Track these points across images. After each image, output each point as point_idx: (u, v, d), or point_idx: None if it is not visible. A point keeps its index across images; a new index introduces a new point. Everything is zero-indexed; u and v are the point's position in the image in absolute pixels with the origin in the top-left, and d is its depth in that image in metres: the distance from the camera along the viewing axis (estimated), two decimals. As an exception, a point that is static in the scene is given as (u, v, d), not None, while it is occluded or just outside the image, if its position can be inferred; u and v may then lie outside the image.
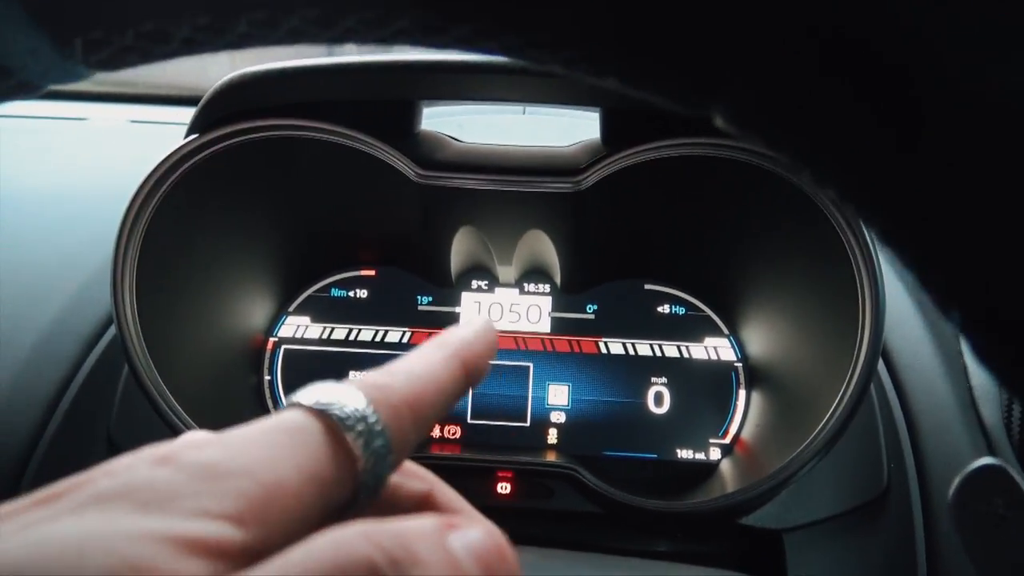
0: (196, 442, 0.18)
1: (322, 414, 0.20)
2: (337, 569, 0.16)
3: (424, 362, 0.23)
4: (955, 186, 0.16)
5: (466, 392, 0.25)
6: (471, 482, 0.58)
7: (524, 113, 0.92)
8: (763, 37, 0.16)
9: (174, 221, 0.55)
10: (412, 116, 0.58)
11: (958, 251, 0.16)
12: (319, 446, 0.19)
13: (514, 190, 0.56)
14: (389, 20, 0.18)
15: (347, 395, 0.21)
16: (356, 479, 0.20)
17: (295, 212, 0.64)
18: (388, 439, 0.20)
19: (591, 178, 0.55)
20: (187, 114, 0.55)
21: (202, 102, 0.53)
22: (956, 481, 0.26)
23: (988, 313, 0.16)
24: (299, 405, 0.20)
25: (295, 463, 0.18)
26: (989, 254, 0.16)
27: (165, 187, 0.53)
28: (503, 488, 0.58)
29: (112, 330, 0.63)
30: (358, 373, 0.67)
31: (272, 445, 0.19)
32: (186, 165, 0.53)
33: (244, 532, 0.17)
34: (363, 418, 0.20)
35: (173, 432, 0.55)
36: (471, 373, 0.25)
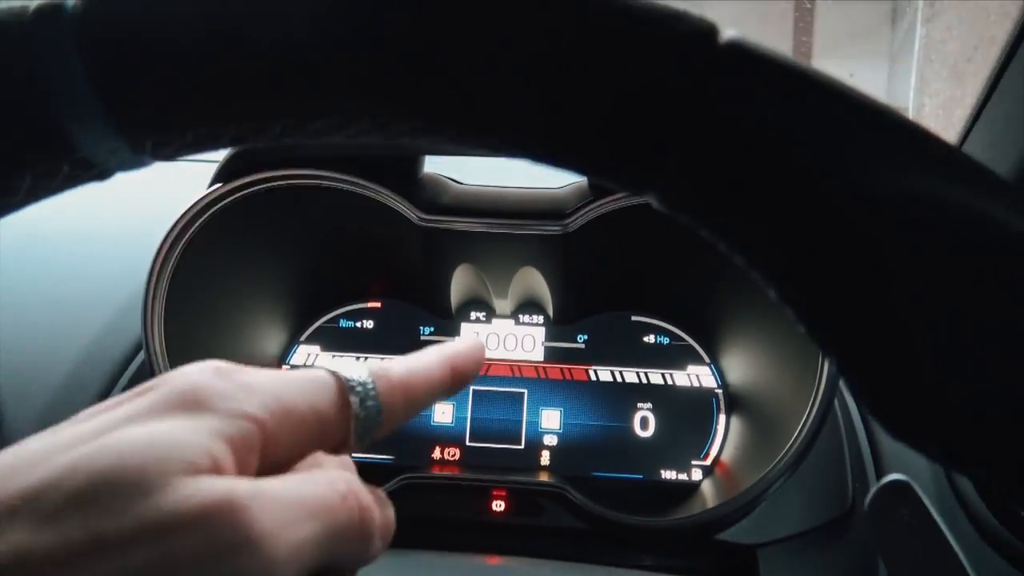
0: (245, 368, 0.25)
1: (334, 375, 0.26)
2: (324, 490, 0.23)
3: (421, 361, 0.30)
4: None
5: (453, 392, 0.30)
6: (468, 499, 0.63)
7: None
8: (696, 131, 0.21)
9: (199, 259, 0.61)
10: (415, 165, 0.64)
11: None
12: (327, 394, 0.26)
13: (508, 232, 0.61)
14: (350, 124, 0.23)
15: (357, 369, 0.27)
16: (349, 427, 0.26)
17: (307, 252, 0.69)
18: (379, 404, 0.27)
19: (577, 221, 0.61)
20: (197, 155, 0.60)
21: (226, 155, 0.59)
22: (869, 495, 0.31)
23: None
24: (321, 367, 0.27)
25: (307, 399, 0.25)
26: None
27: (192, 229, 0.58)
28: (498, 506, 0.63)
29: (138, 360, 0.68)
30: (364, 399, 0.72)
31: (295, 383, 0.25)
32: (211, 211, 0.58)
33: (263, 436, 0.23)
34: (363, 383, 0.26)
35: None
36: (458, 377, 0.30)
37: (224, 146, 0.27)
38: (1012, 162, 0.54)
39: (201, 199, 0.58)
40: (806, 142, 0.20)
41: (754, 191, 0.20)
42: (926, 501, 0.31)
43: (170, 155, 0.27)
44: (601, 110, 0.21)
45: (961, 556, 0.31)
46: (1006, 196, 0.19)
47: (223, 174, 0.59)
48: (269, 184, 0.59)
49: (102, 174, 0.27)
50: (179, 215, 0.58)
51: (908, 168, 0.19)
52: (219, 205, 0.59)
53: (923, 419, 0.21)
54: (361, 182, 0.59)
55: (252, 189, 0.58)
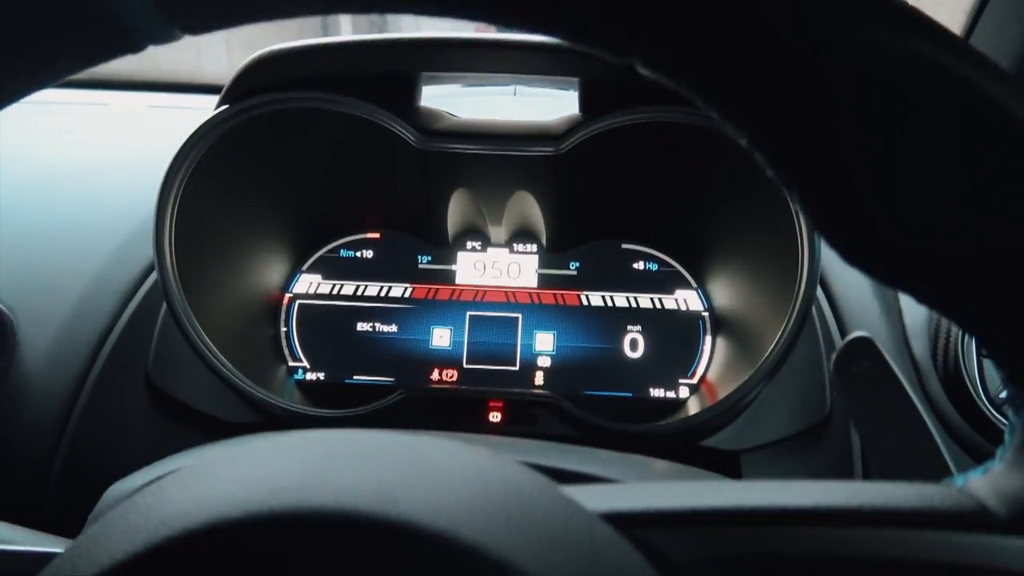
0: None
1: None
2: None
3: None
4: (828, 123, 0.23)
5: None
6: (465, 412, 0.67)
7: (515, 94, 1.00)
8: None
9: (206, 184, 0.63)
10: (413, 90, 0.66)
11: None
12: None
13: (502, 154, 0.64)
14: None
15: None
16: None
17: (309, 179, 0.71)
18: None
19: (569, 143, 0.63)
20: (197, 100, 0.62)
21: (232, 77, 0.61)
22: (835, 353, 0.35)
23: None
24: None
25: None
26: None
27: (198, 152, 0.61)
28: (494, 416, 0.66)
29: (146, 285, 0.70)
30: (365, 325, 0.75)
31: None
32: (217, 133, 0.61)
33: None
34: None
35: (210, 371, 0.62)
36: None
37: (242, 22, 0.29)
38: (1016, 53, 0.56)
39: (207, 121, 0.61)
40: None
41: (722, 47, 0.23)
42: (887, 356, 0.34)
43: (197, 28, 0.29)
44: None
45: (920, 406, 0.34)
46: (941, 41, 0.22)
47: (228, 97, 0.61)
48: (273, 106, 0.61)
49: (135, 45, 0.29)
50: (187, 137, 0.60)
51: (855, 18, 0.22)
52: (224, 127, 0.61)
53: (871, 242, 0.24)
54: (361, 103, 0.61)
55: (256, 112, 0.61)
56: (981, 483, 0.24)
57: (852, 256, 0.25)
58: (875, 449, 0.33)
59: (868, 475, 0.61)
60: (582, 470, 0.37)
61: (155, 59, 1.42)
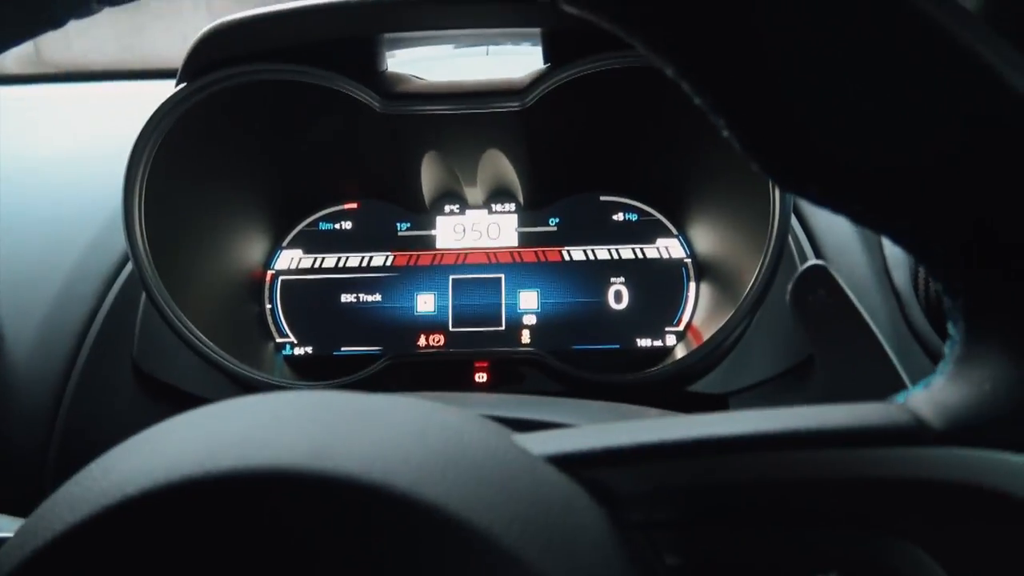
0: None
1: None
2: None
3: None
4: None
5: None
6: (452, 374, 0.67)
7: (487, 55, 0.99)
8: None
9: (172, 166, 0.63)
10: (375, 54, 0.65)
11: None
12: None
13: (468, 112, 0.63)
14: None
15: None
16: None
17: (278, 153, 0.71)
18: None
19: (534, 96, 0.62)
20: (167, 87, 0.61)
21: (187, 52, 0.60)
22: (791, 283, 0.34)
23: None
24: None
25: None
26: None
27: (159, 134, 0.60)
28: (480, 377, 0.66)
29: (127, 270, 0.70)
30: (349, 296, 0.75)
31: None
32: (176, 113, 0.60)
33: None
34: None
35: (195, 353, 0.63)
36: None
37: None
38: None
39: (165, 102, 0.60)
40: None
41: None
42: (841, 282, 0.34)
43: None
44: None
45: (874, 328, 0.34)
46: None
47: (185, 74, 0.61)
48: (231, 80, 0.60)
49: (52, 20, 0.29)
50: (146, 120, 0.60)
51: None
52: (184, 107, 0.60)
53: (802, 165, 0.24)
54: (322, 72, 0.61)
55: (214, 88, 0.60)
56: (920, 398, 0.24)
57: (785, 180, 0.25)
58: (833, 374, 0.33)
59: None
60: (536, 418, 0.37)
61: (144, 49, 1.42)
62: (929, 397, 0.24)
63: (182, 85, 0.60)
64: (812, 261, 0.34)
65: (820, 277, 0.33)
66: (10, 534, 0.28)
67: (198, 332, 0.63)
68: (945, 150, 0.22)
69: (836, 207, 0.25)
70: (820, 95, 0.22)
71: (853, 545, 0.23)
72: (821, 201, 0.25)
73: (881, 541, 0.23)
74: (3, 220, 0.72)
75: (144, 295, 0.68)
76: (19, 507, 0.42)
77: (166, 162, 0.62)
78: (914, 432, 0.22)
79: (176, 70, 0.58)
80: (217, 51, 0.59)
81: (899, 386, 0.31)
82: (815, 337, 0.34)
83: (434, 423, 0.24)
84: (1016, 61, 0.21)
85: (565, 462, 0.25)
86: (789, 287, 0.34)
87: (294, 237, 0.77)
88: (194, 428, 0.25)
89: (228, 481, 0.22)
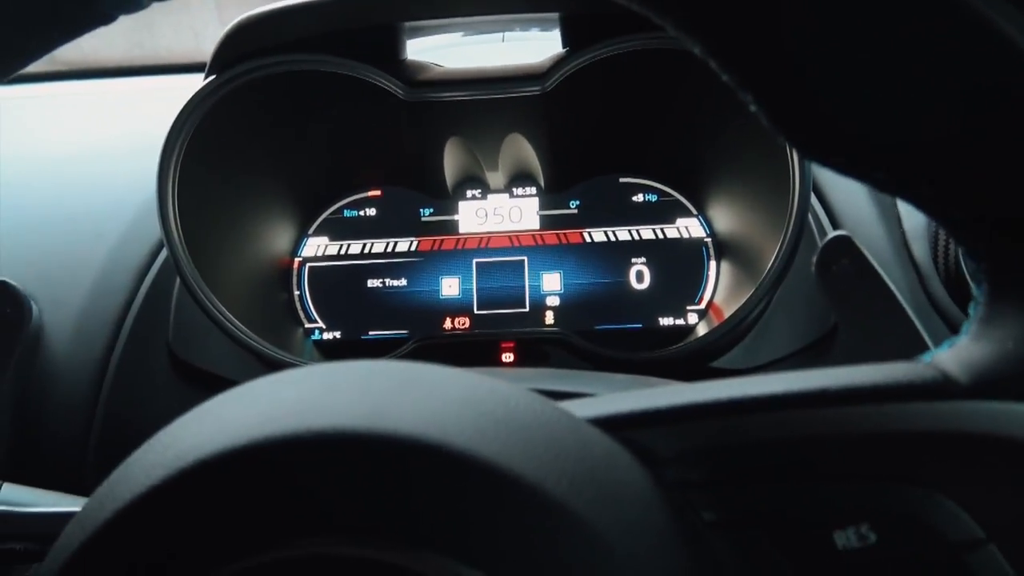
0: None
1: None
2: None
3: None
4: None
5: None
6: (478, 355, 0.68)
7: (503, 41, 1.00)
8: None
9: (203, 156, 0.64)
10: (397, 42, 0.66)
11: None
12: None
13: (489, 97, 0.64)
14: None
15: None
16: None
17: (304, 142, 0.72)
18: None
19: (554, 80, 0.64)
20: (189, 81, 0.63)
21: (216, 46, 0.61)
22: (817, 252, 0.35)
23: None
24: None
25: None
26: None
27: (191, 125, 0.62)
28: (507, 358, 0.68)
29: (159, 260, 0.72)
30: (375, 281, 0.77)
31: None
32: (207, 105, 0.62)
33: None
34: None
35: (229, 338, 0.64)
36: None
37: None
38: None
39: (196, 93, 0.62)
40: None
41: None
42: (865, 252, 0.35)
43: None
44: None
45: (898, 295, 0.35)
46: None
47: (214, 67, 0.62)
48: (259, 72, 0.62)
49: (107, 16, 0.30)
50: (178, 112, 0.61)
51: None
52: (214, 98, 0.62)
53: (825, 136, 0.25)
54: (347, 61, 0.62)
55: (243, 79, 0.61)
56: (946, 356, 0.25)
57: (811, 150, 0.26)
58: (857, 341, 0.34)
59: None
60: (569, 389, 0.39)
61: (155, 45, 1.43)
62: (955, 355, 0.25)
63: (211, 77, 0.62)
64: (836, 232, 0.35)
65: (844, 247, 0.35)
66: (77, 508, 0.30)
67: (231, 317, 0.65)
68: (965, 121, 0.23)
69: (859, 176, 0.26)
70: (842, 71, 0.23)
71: (885, 499, 0.25)
72: (845, 171, 0.26)
73: (912, 494, 0.24)
74: (40, 216, 0.74)
75: (177, 284, 0.70)
76: (63, 489, 0.45)
77: (196, 153, 0.64)
78: (941, 387, 0.23)
79: (187, 64, 0.59)
80: (244, 44, 0.60)
81: (923, 350, 0.32)
82: (839, 305, 0.35)
83: (484, 389, 0.26)
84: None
85: (607, 424, 0.26)
86: (814, 258, 0.35)
87: (319, 225, 0.79)
88: (257, 396, 0.26)
89: (293, 443, 0.24)
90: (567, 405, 0.27)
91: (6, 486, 0.45)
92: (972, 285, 0.26)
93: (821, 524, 0.25)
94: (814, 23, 0.23)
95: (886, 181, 0.25)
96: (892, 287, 0.34)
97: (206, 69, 0.62)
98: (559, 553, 0.22)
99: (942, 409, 0.23)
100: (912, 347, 0.33)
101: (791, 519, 0.26)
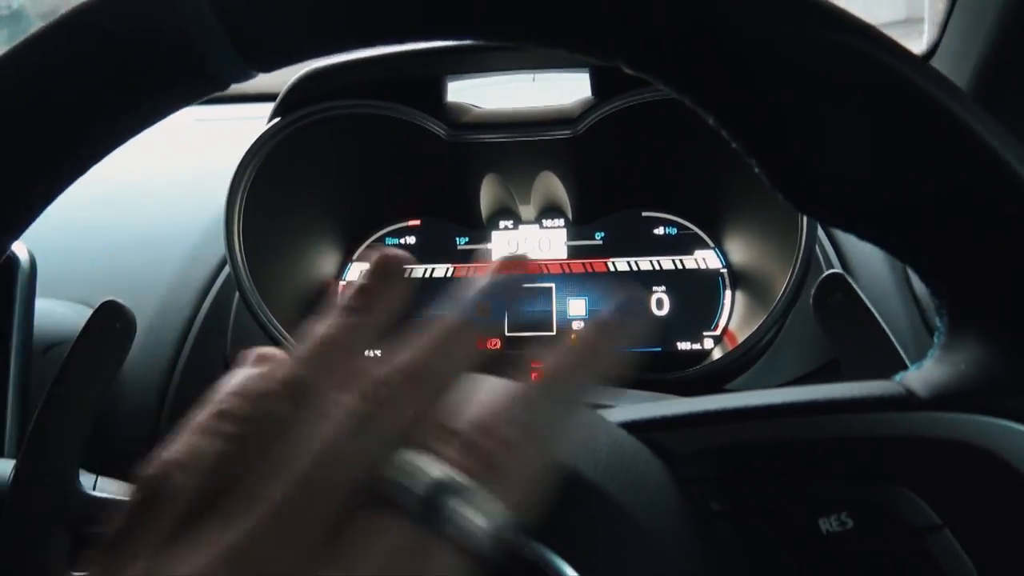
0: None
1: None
2: None
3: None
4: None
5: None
6: (509, 373, 0.74)
7: (534, 81, 1.07)
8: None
9: (265, 187, 0.71)
10: (440, 89, 0.73)
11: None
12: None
13: (524, 140, 0.71)
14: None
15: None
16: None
17: (352, 176, 0.79)
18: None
19: (585, 124, 0.70)
20: (241, 110, 0.70)
21: (282, 94, 0.69)
22: (813, 289, 0.41)
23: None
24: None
25: None
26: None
27: (258, 160, 0.69)
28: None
29: (219, 281, 0.79)
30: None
31: None
32: (273, 142, 0.69)
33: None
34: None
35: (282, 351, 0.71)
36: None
37: (308, 58, 0.36)
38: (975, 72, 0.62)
39: (264, 132, 0.69)
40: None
41: (686, 50, 0.29)
42: (856, 287, 0.41)
43: (269, 66, 0.36)
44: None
45: (885, 328, 0.40)
46: (859, 32, 0.28)
47: (280, 109, 0.69)
48: (320, 114, 0.69)
49: (220, 86, 0.37)
50: (247, 147, 0.69)
51: (778, 17, 0.28)
52: (280, 136, 0.69)
53: (814, 195, 0.30)
54: (397, 106, 0.69)
55: (305, 120, 0.69)
56: (913, 376, 0.30)
57: (802, 206, 0.32)
58: (850, 362, 0.40)
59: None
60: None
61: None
62: (920, 375, 0.30)
63: (276, 119, 0.69)
64: (831, 270, 0.40)
65: (838, 283, 0.40)
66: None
67: (284, 331, 0.71)
68: (930, 198, 0.29)
69: (844, 229, 0.32)
70: (827, 147, 0.29)
71: (859, 491, 0.30)
72: (831, 223, 0.32)
73: (881, 487, 0.30)
74: (111, 239, 0.82)
75: (236, 301, 0.76)
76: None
77: (259, 185, 0.71)
78: (905, 400, 0.29)
79: (239, 95, 0.66)
80: (307, 90, 0.68)
81: (902, 368, 0.38)
82: (834, 335, 0.41)
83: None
84: (996, 133, 0.27)
85: (633, 427, 0.32)
86: (812, 294, 0.41)
87: (363, 251, 0.85)
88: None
89: None
90: (599, 411, 0.33)
91: (100, 479, 0.52)
92: (936, 318, 0.31)
93: (809, 513, 0.31)
94: (812, 123, 0.29)
95: (864, 233, 0.31)
96: (879, 318, 0.40)
97: (272, 110, 0.69)
98: (595, 528, 0.28)
99: (905, 418, 0.29)
100: (895, 369, 0.38)
101: (784, 508, 0.31)
